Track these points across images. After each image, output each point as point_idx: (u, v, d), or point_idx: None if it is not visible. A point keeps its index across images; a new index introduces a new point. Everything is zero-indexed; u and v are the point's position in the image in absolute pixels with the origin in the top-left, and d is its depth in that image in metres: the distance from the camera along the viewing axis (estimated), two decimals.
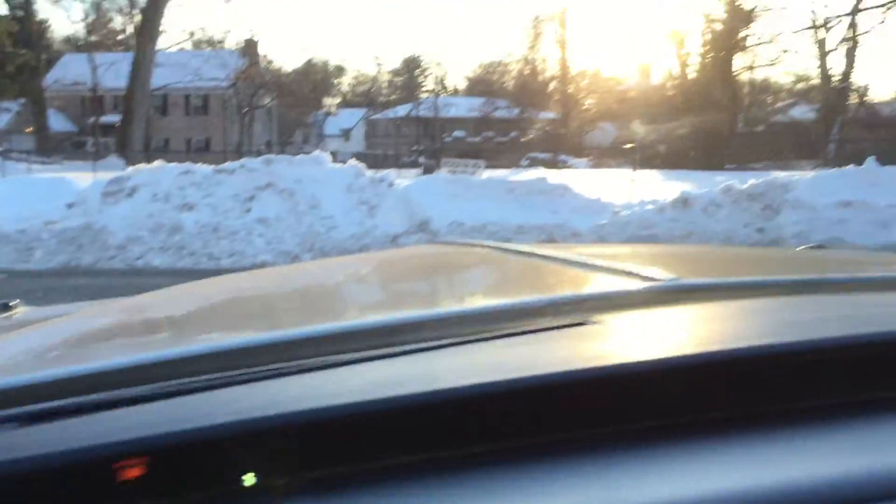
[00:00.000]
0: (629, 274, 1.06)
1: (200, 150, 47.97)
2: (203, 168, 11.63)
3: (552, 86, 66.83)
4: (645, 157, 36.37)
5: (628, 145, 29.20)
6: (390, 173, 12.73)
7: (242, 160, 12.10)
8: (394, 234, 10.97)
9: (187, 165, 11.62)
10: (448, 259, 1.63)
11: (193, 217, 10.81)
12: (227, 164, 11.87)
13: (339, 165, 12.30)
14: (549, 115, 62.76)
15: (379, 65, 71.34)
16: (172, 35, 59.95)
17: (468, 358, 0.76)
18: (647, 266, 1.08)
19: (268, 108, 58.46)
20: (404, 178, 15.24)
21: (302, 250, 10.43)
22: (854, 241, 9.00)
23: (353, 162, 12.52)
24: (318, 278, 1.59)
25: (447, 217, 11.17)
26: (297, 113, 65.16)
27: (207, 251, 10.26)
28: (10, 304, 1.67)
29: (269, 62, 64.05)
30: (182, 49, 58.36)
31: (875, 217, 9.10)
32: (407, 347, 0.78)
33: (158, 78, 42.78)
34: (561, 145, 49.00)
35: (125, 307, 1.49)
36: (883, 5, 40.94)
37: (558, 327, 0.84)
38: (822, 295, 1.04)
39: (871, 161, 10.34)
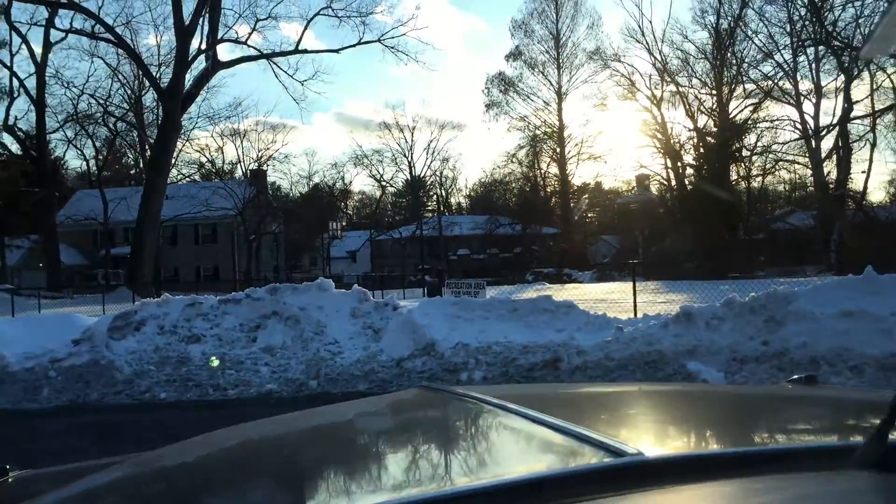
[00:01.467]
0: (594, 444, 1.04)
1: (209, 279, 48.53)
2: (209, 299, 11.79)
3: (553, 201, 68.07)
4: (648, 269, 36.63)
5: (632, 262, 29.42)
6: (394, 297, 12.85)
7: (248, 290, 12.26)
8: (398, 358, 10.97)
9: (193, 297, 11.79)
10: (405, 420, 1.61)
11: (199, 348, 10.88)
12: (233, 294, 12.03)
13: (342, 292, 12.44)
14: (552, 230, 63.60)
15: (383, 186, 72.70)
16: (182, 168, 61.67)
17: None
18: (615, 427, 1.07)
19: (275, 234, 59.47)
20: (410, 300, 15.36)
21: (307, 377, 10.41)
22: (860, 351, 8.96)
23: (356, 287, 12.67)
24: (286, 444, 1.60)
25: (452, 339, 11.19)
26: (303, 237, 66.23)
27: (214, 382, 10.27)
28: (8, 468, 1.66)
29: (277, 189, 65.73)
30: (192, 181, 60.07)
31: (877, 326, 9.10)
32: None
33: (168, 209, 43.84)
34: (564, 259, 49.39)
35: (126, 475, 1.51)
36: (870, 115, 42.18)
37: None
38: (792, 476, 0.97)
39: (869, 269, 10.44)
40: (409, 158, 72.14)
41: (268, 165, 60.26)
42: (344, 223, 78.46)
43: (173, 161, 45.72)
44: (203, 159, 61.57)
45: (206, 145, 71.07)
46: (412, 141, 75.50)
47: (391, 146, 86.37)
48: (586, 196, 69.42)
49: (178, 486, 1.39)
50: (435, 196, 75.06)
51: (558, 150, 65.33)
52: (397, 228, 67.56)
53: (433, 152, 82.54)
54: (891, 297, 9.77)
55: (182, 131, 43.65)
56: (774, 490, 0.92)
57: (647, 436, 1.07)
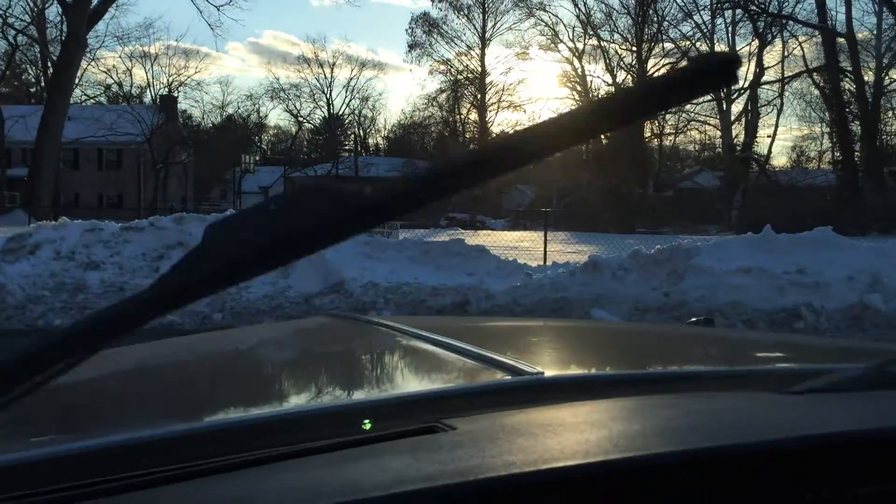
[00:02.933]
0: (496, 364, 1.05)
1: (113, 206, 46.80)
2: (110, 225, 11.35)
3: (472, 147, 68.14)
4: (560, 219, 37.25)
5: (544, 210, 29.86)
6: None
7: (152, 217, 11.85)
8: (307, 295, 10.86)
9: (93, 222, 11.32)
10: (312, 340, 1.61)
11: (98, 276, 10.49)
12: (136, 222, 11.62)
13: None
14: None
15: (300, 122, 71.21)
16: (87, 90, 58.75)
17: (294, 475, 0.71)
18: (518, 353, 1.08)
19: (184, 165, 57.60)
20: None
21: (212, 310, 10.19)
22: (753, 306, 9.37)
23: None
24: (151, 363, 1.54)
25: (362, 278, 11.15)
26: (214, 169, 64.40)
27: None
28: None
29: (188, 117, 63.50)
30: (97, 103, 57.33)
31: (772, 283, 9.51)
32: (226, 460, 0.73)
33: (70, 131, 41.79)
34: (479, 206, 49.73)
35: None
36: (779, 80, 43.64)
37: (405, 434, 0.81)
38: (686, 394, 1.01)
39: (768, 229, 10.85)
40: (328, 95, 70.92)
41: (179, 92, 58.26)
42: (258, 158, 76.61)
43: (77, 81, 43.50)
44: (109, 81, 58.87)
45: (114, 66, 67.99)
46: (331, 77, 73.69)
47: (310, 81, 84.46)
48: None
49: (67, 406, 1.30)
50: (353, 136, 74.11)
51: (479, 96, 65.30)
52: (312, 166, 66.46)
53: (353, 91, 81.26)
54: (785, 255, 10.21)
55: (88, 49, 41.37)
56: (671, 406, 0.94)
57: (549, 360, 1.08)
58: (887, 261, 10.29)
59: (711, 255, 10.50)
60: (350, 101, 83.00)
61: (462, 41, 67.40)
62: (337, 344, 1.56)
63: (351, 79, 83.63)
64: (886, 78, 39.52)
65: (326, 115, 70.63)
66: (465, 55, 65.08)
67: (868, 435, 0.78)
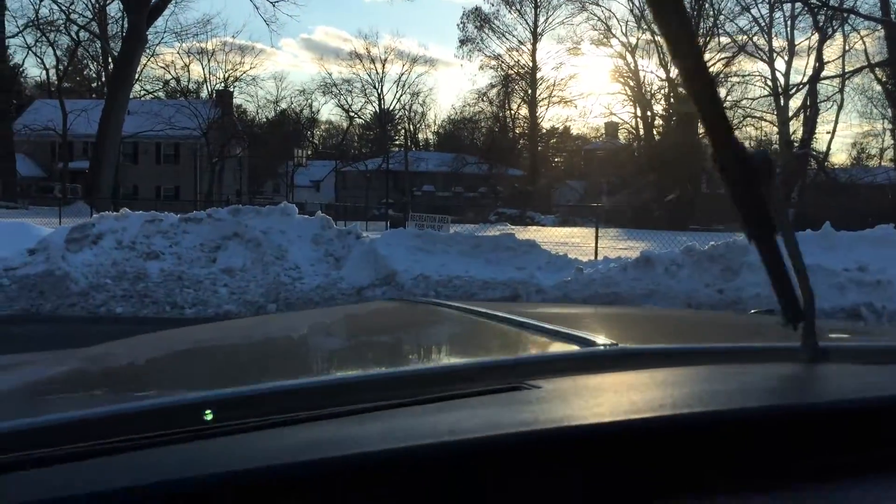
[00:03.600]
0: (570, 338, 1.09)
1: (170, 199, 47.81)
2: (170, 216, 11.62)
3: (521, 143, 67.88)
4: (611, 216, 36.92)
5: (595, 204, 29.62)
6: (357, 226, 12.79)
7: (210, 209, 12.09)
8: (359, 287, 10.98)
9: (153, 213, 11.60)
10: (396, 318, 1.66)
11: (158, 265, 10.76)
12: (195, 213, 11.86)
13: (305, 217, 12.35)
14: (518, 171, 63.56)
15: (351, 117, 71.71)
16: (146, 84, 60.02)
17: (400, 422, 0.76)
18: (589, 331, 1.12)
19: (239, 159, 58.53)
20: (372, 231, 15.32)
21: (266, 301, 10.38)
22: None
23: (320, 214, 12.58)
24: (259, 335, 1.62)
25: (413, 271, 11.21)
26: (268, 163, 65.31)
27: (171, 300, 10.18)
28: None
29: (243, 112, 64.47)
30: (155, 97, 58.55)
31: (831, 281, 9.31)
32: (340, 409, 0.78)
33: (130, 125, 42.79)
34: (529, 202, 49.54)
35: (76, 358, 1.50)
36: (839, 76, 42.50)
37: (493, 391, 0.84)
38: (752, 364, 1.05)
39: (827, 226, 10.62)
40: (379, 91, 71.11)
41: (234, 87, 59.01)
42: (310, 152, 77.40)
43: (137, 76, 44.48)
44: (168, 76, 60.03)
45: (172, 62, 69.17)
46: (383, 73, 74.36)
47: (361, 77, 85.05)
48: (554, 140, 69.35)
49: (130, 374, 1.37)
50: (403, 131, 74.34)
51: (530, 91, 64.93)
52: (363, 160, 66.88)
53: (404, 86, 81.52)
54: (845, 253, 9.99)
55: (147, 45, 42.32)
56: (745, 373, 0.98)
57: (617, 335, 1.11)
58: None
59: None
60: (401, 96, 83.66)
61: (513, 36, 67.39)
62: (412, 323, 1.61)
63: (402, 74, 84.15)
64: None
65: (377, 110, 71.00)
66: (517, 50, 64.84)
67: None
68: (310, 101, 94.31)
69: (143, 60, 45.34)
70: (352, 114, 71.59)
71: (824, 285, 9.34)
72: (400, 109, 72.94)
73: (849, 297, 9.16)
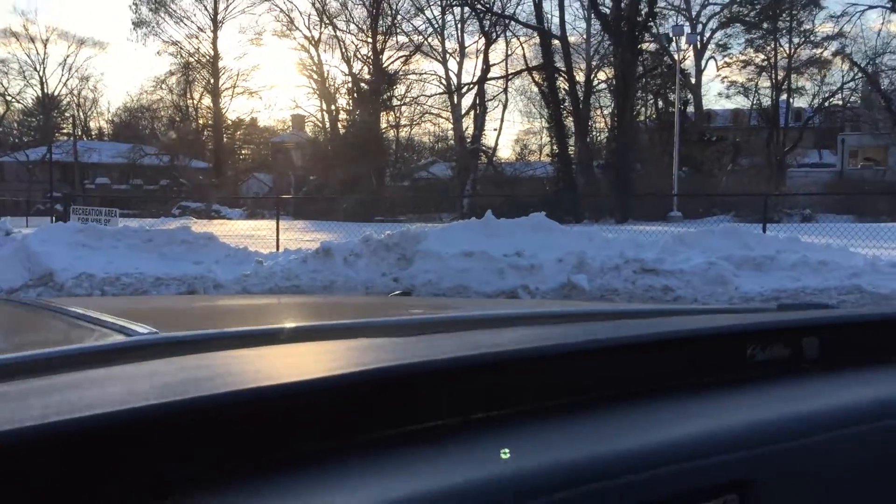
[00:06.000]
0: (115, 328, 1.07)
1: None
2: None
3: (205, 134, 65.47)
4: (299, 209, 36.93)
5: (282, 196, 29.45)
6: (6, 221, 11.40)
7: None
8: (10, 289, 9.78)
9: None
10: None
11: None
12: None
13: None
14: (202, 164, 61.31)
15: (7, 102, 63.96)
16: None
17: None
18: (135, 319, 1.08)
19: None
20: (34, 227, 13.77)
21: None
22: (476, 288, 9.87)
23: None
24: None
25: (75, 269, 10.25)
26: None
27: None
28: None
29: None
30: None
31: (493, 266, 10.07)
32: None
33: None
34: (214, 195, 47.92)
35: None
36: (503, 77, 46.62)
37: None
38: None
39: (489, 214, 11.48)
40: (41, 73, 64.24)
41: None
42: None
43: None
44: None
45: None
46: (45, 54, 66.90)
47: (19, 57, 76.22)
48: (240, 132, 67.72)
49: None
50: (72, 118, 67.94)
51: (212, 81, 62.62)
52: (24, 150, 60.10)
53: (70, 69, 74.46)
54: (506, 240, 10.86)
55: None
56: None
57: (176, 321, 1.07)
58: (592, 243, 11.30)
59: (439, 240, 10.90)
60: (67, 80, 76.12)
61: (192, 22, 64.32)
62: None
63: (68, 56, 76.69)
64: (595, 79, 43.51)
65: (40, 94, 64.13)
66: (196, 37, 62.06)
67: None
68: None
69: None
70: (8, 97, 63.94)
71: (487, 270, 10.09)
72: (67, 94, 66.59)
73: (508, 281, 9.97)
